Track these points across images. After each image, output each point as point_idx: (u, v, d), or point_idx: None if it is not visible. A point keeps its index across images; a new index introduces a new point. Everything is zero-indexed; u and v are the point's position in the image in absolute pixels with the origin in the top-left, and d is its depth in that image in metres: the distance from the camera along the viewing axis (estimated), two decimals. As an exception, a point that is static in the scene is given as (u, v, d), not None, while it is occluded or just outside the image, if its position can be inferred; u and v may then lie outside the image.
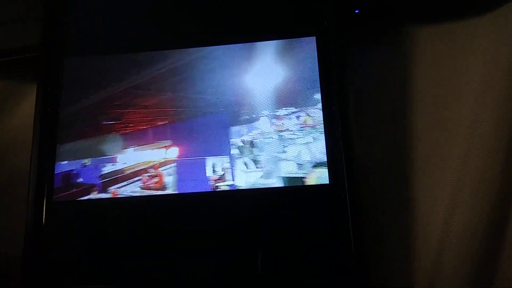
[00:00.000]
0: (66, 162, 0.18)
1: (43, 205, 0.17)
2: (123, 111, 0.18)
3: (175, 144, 0.17)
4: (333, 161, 0.16)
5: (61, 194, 0.17)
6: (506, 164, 0.18)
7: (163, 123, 0.18)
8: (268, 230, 0.16)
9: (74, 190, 0.17)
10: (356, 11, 0.20)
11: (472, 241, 0.17)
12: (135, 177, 0.17)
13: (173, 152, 0.17)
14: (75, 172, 0.18)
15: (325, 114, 0.17)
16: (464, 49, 0.20)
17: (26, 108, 0.23)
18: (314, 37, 0.18)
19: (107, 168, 0.18)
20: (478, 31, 0.20)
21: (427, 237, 0.18)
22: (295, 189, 0.17)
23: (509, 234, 0.18)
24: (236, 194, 0.17)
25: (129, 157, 0.18)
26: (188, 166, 0.17)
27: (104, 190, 0.17)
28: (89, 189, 0.17)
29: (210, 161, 0.17)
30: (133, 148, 0.18)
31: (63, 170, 0.18)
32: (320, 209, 0.16)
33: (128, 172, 0.17)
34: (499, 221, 0.18)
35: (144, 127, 0.18)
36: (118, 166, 0.18)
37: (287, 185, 0.17)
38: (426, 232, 0.18)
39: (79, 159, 0.18)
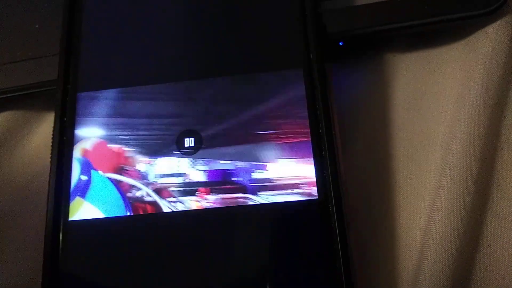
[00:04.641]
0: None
1: (60, 228, 0.18)
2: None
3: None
4: (320, 177, 0.18)
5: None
6: (478, 175, 0.19)
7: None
8: (258, 247, 0.17)
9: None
10: (341, 44, 0.22)
11: (449, 246, 0.18)
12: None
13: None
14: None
15: (313, 136, 0.18)
16: (440, 72, 0.22)
17: (39, 135, 0.25)
18: (301, 69, 0.19)
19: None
20: (452, 56, 0.22)
21: (409, 246, 0.19)
22: (285, 205, 0.18)
23: (484, 240, 0.19)
24: (224, 212, 0.18)
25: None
26: None
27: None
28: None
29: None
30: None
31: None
32: (309, 222, 0.17)
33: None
34: (473, 227, 0.19)
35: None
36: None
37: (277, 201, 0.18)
38: (408, 241, 0.20)
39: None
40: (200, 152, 0.19)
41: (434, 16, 0.21)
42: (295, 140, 0.18)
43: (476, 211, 0.19)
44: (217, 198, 0.18)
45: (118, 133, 0.20)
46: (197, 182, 0.19)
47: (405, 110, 0.22)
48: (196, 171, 0.19)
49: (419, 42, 0.23)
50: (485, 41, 0.21)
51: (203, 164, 0.19)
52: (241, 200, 0.18)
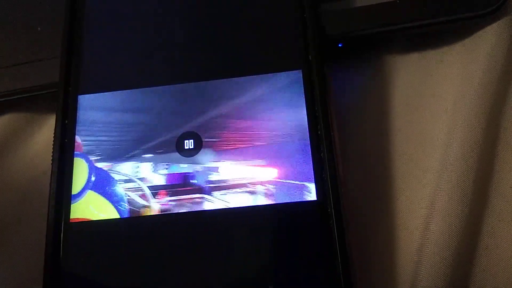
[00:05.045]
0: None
1: (61, 229, 0.18)
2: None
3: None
4: (319, 179, 0.18)
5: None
6: (476, 176, 0.19)
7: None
8: (257, 248, 0.17)
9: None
10: (340, 45, 0.23)
11: (447, 247, 0.18)
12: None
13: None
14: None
15: (312, 137, 0.18)
16: (439, 73, 0.22)
17: (41, 137, 0.25)
18: (300, 70, 0.19)
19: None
20: (451, 57, 0.22)
21: (408, 246, 0.20)
22: (283, 206, 0.18)
23: (482, 241, 0.19)
24: (223, 213, 0.18)
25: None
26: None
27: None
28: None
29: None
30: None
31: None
32: (308, 223, 0.17)
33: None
34: (472, 228, 0.19)
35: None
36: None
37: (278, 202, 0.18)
38: (407, 242, 0.20)
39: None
40: (201, 153, 0.19)
41: (433, 17, 0.22)
42: (294, 141, 0.19)
43: (474, 211, 0.19)
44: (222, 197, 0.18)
45: (118, 134, 0.20)
46: (203, 181, 0.19)
47: (404, 111, 0.22)
48: (198, 171, 0.19)
49: (418, 43, 0.23)
50: (484, 42, 0.21)
51: (202, 165, 0.19)
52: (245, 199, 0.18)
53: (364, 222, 0.20)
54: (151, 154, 0.19)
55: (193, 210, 0.18)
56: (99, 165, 0.19)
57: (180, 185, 0.19)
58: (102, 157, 0.20)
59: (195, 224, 0.18)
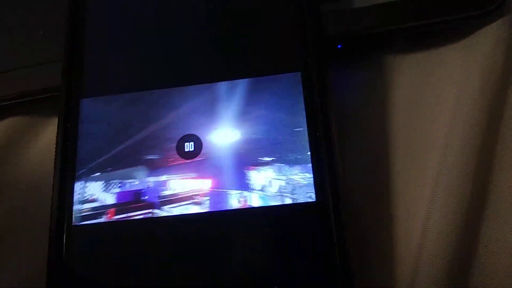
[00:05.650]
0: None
1: (64, 232, 0.19)
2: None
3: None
4: (318, 181, 0.18)
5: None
6: (475, 175, 0.19)
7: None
8: (255, 250, 0.18)
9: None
10: (339, 46, 0.23)
11: (446, 247, 0.19)
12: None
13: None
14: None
15: (311, 138, 0.18)
16: (438, 75, 0.22)
17: (44, 140, 0.25)
18: (299, 72, 0.19)
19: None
20: (452, 56, 0.22)
21: (407, 246, 0.20)
22: (282, 207, 0.18)
23: (481, 240, 0.19)
24: (222, 215, 0.18)
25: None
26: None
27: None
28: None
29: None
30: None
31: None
32: (307, 224, 0.18)
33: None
34: (470, 228, 0.19)
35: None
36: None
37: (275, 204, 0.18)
38: (406, 241, 0.20)
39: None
40: (200, 157, 0.19)
41: (433, 17, 0.22)
42: (294, 142, 0.19)
43: (473, 211, 0.19)
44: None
45: (120, 137, 0.20)
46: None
47: (405, 111, 0.22)
48: (193, 178, 0.19)
49: (418, 43, 0.23)
50: (484, 41, 0.21)
51: (203, 168, 0.19)
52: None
53: (364, 222, 0.20)
54: (151, 158, 0.20)
55: (193, 212, 0.18)
56: (97, 167, 0.20)
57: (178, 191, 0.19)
58: (100, 160, 0.20)
59: (197, 226, 0.18)
